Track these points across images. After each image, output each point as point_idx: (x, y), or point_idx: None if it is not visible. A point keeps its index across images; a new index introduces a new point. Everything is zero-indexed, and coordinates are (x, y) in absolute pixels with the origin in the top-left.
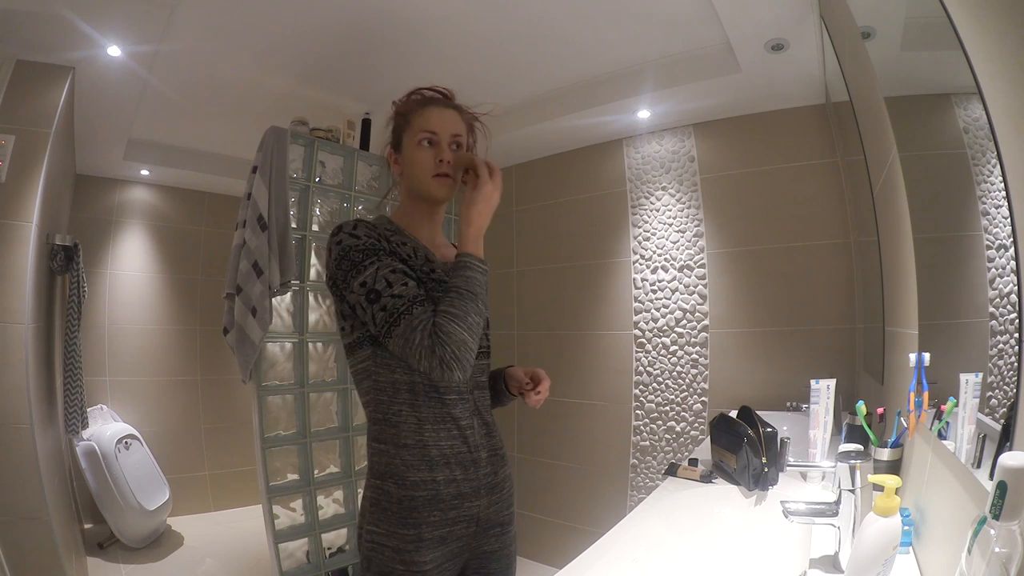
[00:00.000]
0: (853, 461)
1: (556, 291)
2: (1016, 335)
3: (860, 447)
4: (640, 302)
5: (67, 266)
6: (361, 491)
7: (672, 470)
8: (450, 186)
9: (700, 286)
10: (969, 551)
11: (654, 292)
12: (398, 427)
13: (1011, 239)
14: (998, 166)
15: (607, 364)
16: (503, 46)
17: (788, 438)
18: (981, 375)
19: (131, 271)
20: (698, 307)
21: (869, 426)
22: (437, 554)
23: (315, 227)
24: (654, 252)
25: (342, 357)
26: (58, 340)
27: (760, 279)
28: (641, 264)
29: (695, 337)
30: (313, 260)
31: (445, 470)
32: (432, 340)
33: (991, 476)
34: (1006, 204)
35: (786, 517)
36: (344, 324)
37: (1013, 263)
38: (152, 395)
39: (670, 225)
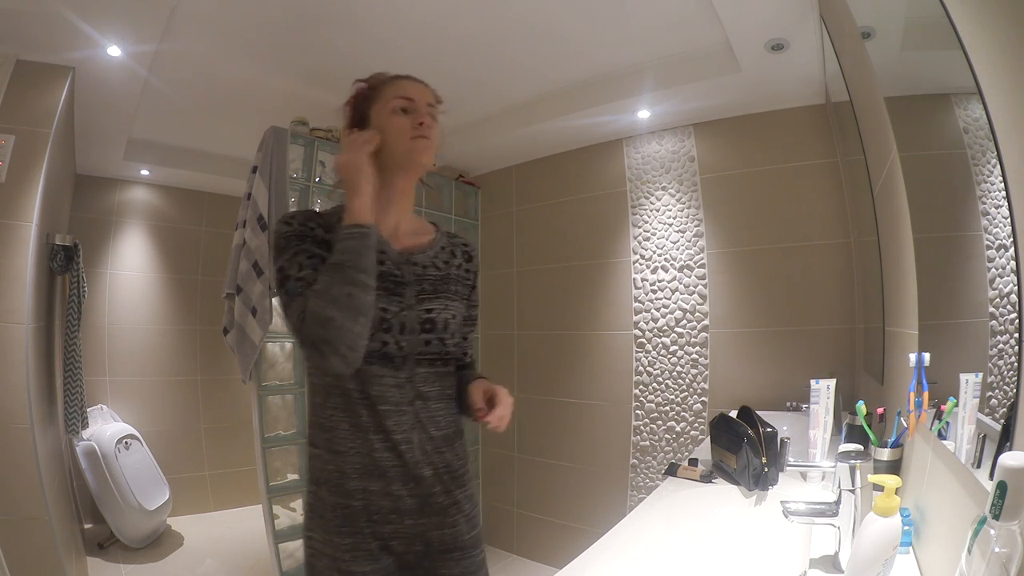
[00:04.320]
0: (853, 461)
1: (556, 291)
2: (1016, 335)
3: (860, 447)
4: (640, 302)
5: (67, 266)
6: None
7: (672, 470)
8: (431, 149)
9: (700, 286)
10: (969, 551)
11: (654, 292)
12: (331, 432)
13: (1011, 239)
14: (998, 166)
15: (607, 364)
16: (503, 46)
17: (788, 438)
18: (981, 375)
19: (131, 271)
20: (698, 307)
21: (869, 426)
22: (377, 567)
23: None
24: (654, 252)
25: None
26: (58, 340)
27: (760, 279)
28: (641, 264)
29: (695, 337)
30: None
31: (380, 482)
32: (302, 323)
33: (991, 476)
34: (1006, 204)
35: (786, 517)
36: None
37: (1013, 263)
38: (152, 395)
39: (670, 225)
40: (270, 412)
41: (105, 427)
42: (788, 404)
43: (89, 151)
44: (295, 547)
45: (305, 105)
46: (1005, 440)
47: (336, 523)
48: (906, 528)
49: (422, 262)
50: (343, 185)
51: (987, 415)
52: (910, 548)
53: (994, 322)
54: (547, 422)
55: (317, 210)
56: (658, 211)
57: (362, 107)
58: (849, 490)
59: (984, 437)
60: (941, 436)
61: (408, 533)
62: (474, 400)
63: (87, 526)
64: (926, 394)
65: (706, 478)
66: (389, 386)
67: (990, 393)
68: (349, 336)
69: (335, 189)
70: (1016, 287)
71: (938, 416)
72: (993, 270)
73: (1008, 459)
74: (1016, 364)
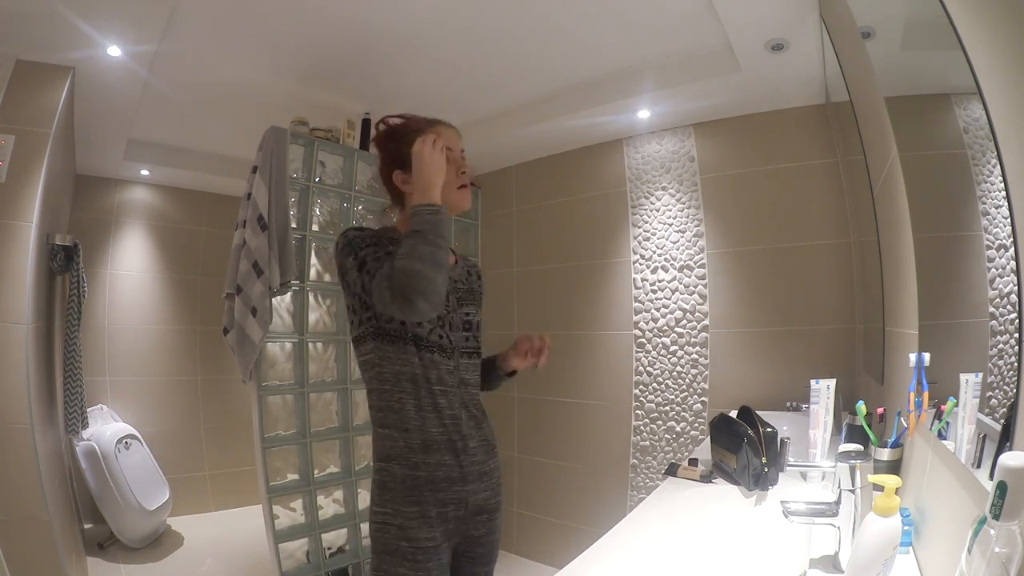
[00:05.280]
0: (853, 461)
1: (556, 291)
2: (1016, 335)
3: (860, 447)
4: (640, 302)
5: (67, 266)
6: (360, 491)
7: (672, 470)
8: (470, 195)
9: (700, 286)
10: (969, 551)
11: (654, 292)
12: (400, 413)
13: (1011, 239)
14: (998, 166)
15: (607, 364)
16: (503, 46)
17: (788, 438)
18: (981, 375)
19: (131, 271)
20: (698, 307)
21: (869, 426)
22: (436, 532)
23: (315, 227)
24: (654, 252)
25: (343, 357)
26: (58, 340)
27: (760, 279)
28: (641, 264)
29: (695, 337)
30: (313, 260)
31: (437, 454)
32: (389, 280)
33: (991, 476)
34: (1006, 204)
35: (786, 517)
36: (353, 318)
37: (1013, 263)
38: (152, 395)
39: (670, 225)
40: (270, 412)
41: (105, 427)
42: (788, 404)
43: (89, 151)
44: (295, 547)
45: (305, 105)
46: (1005, 440)
47: (405, 494)
48: (906, 528)
49: (454, 277)
50: (419, 175)
51: (987, 415)
52: (910, 548)
53: (994, 322)
54: (547, 422)
55: (380, 229)
56: (658, 211)
57: (399, 147)
58: (849, 490)
59: (984, 437)
60: (941, 436)
61: (456, 499)
62: (518, 353)
63: (87, 526)
64: (926, 394)
65: (706, 478)
66: (444, 371)
67: (990, 393)
68: (433, 284)
69: (385, 216)
70: (1016, 287)
71: (938, 416)
72: (993, 270)
73: (1008, 459)
74: (1016, 364)
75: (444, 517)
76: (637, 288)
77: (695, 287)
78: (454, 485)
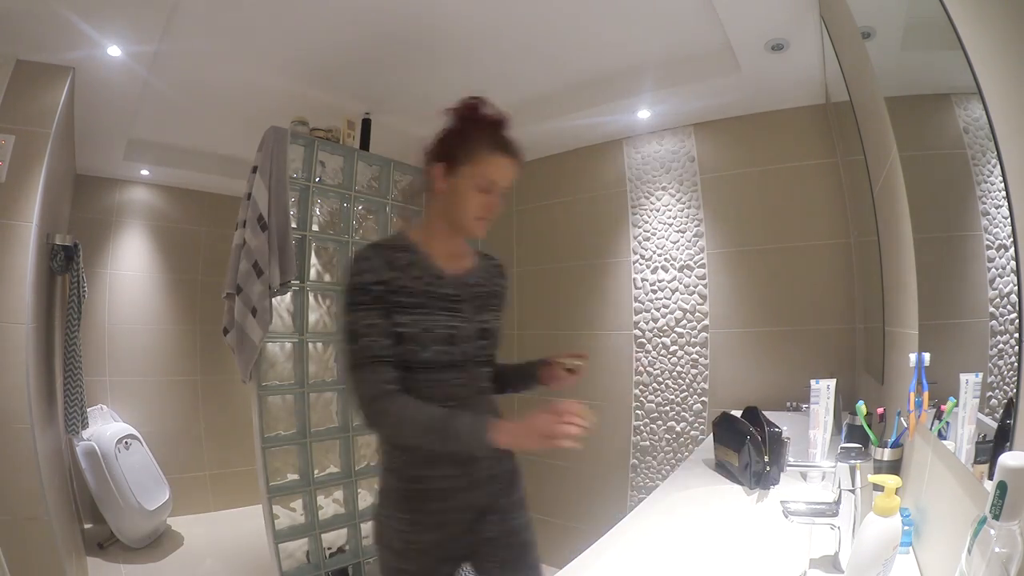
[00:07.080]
0: (853, 461)
1: (556, 291)
2: (1016, 335)
3: (860, 447)
4: (640, 302)
5: (67, 266)
6: (360, 491)
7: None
8: (486, 227)
9: (700, 286)
10: (969, 551)
11: (654, 292)
12: None
13: (1011, 239)
14: (998, 166)
15: (607, 364)
16: (503, 46)
17: (788, 438)
18: (981, 375)
19: (131, 271)
20: (698, 307)
21: (869, 426)
22: (434, 535)
23: (315, 227)
24: (654, 252)
25: (342, 357)
26: (58, 340)
27: (760, 279)
28: (641, 264)
29: (695, 337)
30: (313, 260)
31: (441, 468)
32: (368, 410)
33: (991, 476)
34: (1006, 204)
35: (786, 517)
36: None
37: (1013, 263)
38: (152, 395)
39: (670, 225)
40: (270, 412)
41: (105, 427)
42: (788, 404)
43: (89, 151)
44: (295, 547)
45: (305, 105)
46: (1005, 440)
47: (399, 503)
48: (906, 528)
49: (473, 282)
50: (511, 436)
51: (987, 415)
52: (910, 548)
53: (994, 322)
54: None
55: (380, 246)
56: (658, 211)
57: (456, 154)
58: (849, 490)
59: (984, 437)
60: (941, 436)
61: (458, 506)
62: (555, 377)
63: (87, 526)
64: (926, 394)
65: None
66: (456, 386)
67: (990, 393)
68: (403, 440)
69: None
70: (1016, 287)
71: (938, 416)
72: (993, 270)
73: (1008, 459)
74: (1016, 364)
75: (444, 521)
76: (637, 288)
77: (695, 287)
78: (458, 493)
